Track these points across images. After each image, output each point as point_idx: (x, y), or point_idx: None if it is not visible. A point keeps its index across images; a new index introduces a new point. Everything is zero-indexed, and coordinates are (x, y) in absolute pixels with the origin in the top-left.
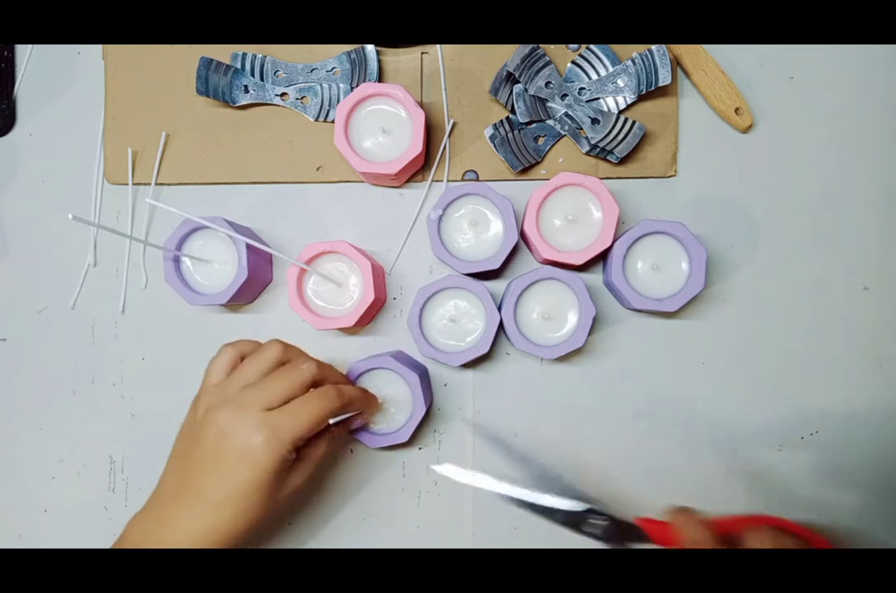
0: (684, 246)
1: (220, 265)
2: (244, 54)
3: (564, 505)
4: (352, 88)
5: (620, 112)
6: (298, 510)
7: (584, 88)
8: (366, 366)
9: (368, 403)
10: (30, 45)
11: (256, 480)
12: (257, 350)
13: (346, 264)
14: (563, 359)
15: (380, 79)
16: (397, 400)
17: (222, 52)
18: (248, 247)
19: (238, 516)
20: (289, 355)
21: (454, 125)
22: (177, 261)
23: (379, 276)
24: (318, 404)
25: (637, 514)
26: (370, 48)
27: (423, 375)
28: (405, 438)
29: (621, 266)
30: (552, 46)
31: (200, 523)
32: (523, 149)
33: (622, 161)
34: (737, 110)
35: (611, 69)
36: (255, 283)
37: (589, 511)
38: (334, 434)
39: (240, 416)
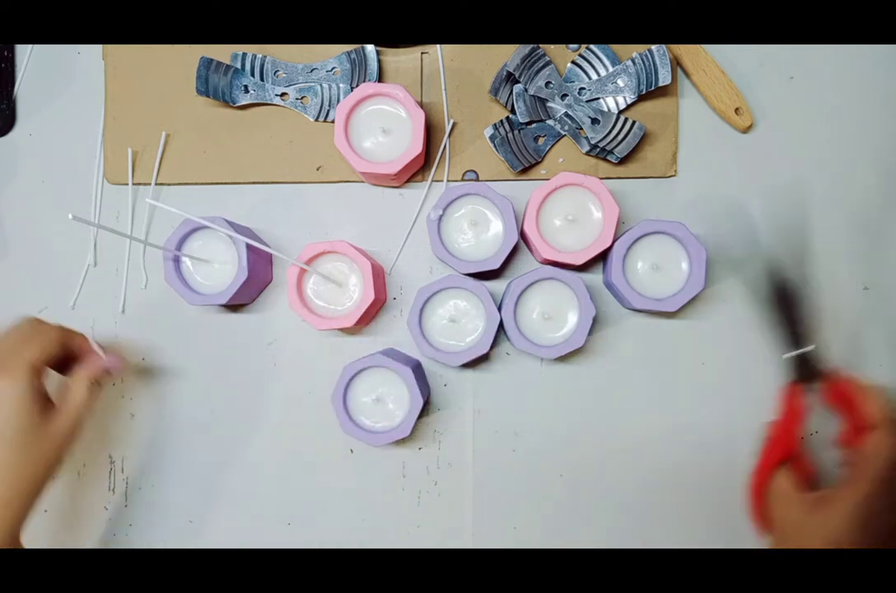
0: (684, 246)
1: (220, 265)
2: (244, 54)
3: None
4: (352, 88)
5: (620, 112)
6: (298, 510)
7: (584, 88)
8: (358, 367)
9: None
10: (30, 45)
11: (8, 418)
12: None
13: (346, 264)
14: (563, 359)
15: (380, 79)
16: (394, 396)
17: (222, 52)
18: (248, 247)
19: (11, 468)
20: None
21: (454, 125)
22: (177, 261)
23: (379, 276)
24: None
25: (637, 513)
26: (370, 48)
27: (417, 368)
28: (406, 433)
29: (621, 266)
30: (552, 46)
31: None
32: (523, 149)
33: (622, 161)
34: (737, 110)
35: (611, 69)
36: (255, 283)
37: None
38: (90, 377)
39: None
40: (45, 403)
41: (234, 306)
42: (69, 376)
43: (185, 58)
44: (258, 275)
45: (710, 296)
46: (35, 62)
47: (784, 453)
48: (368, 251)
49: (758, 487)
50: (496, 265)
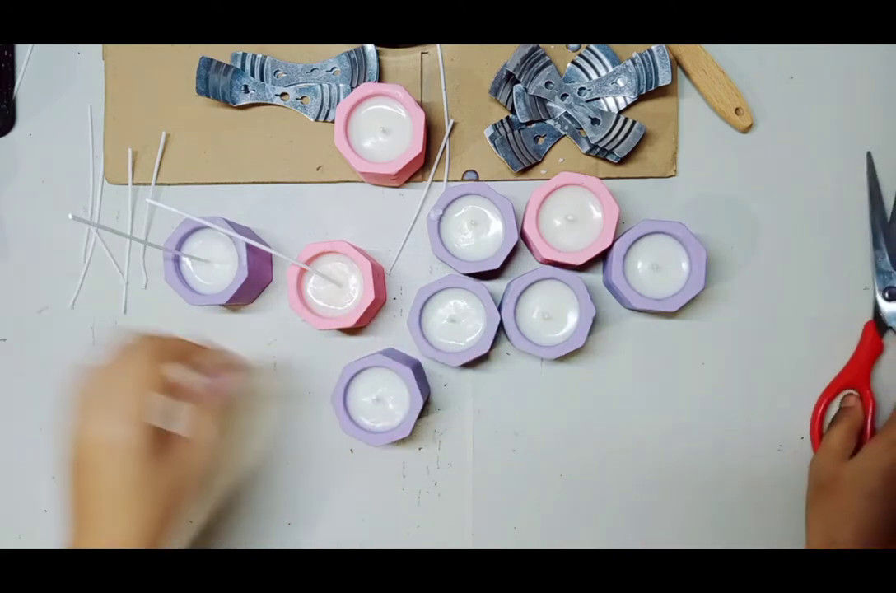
0: (684, 246)
1: (220, 265)
2: (244, 54)
3: None
4: (352, 88)
5: (620, 112)
6: (298, 510)
7: (584, 88)
8: (358, 367)
9: (206, 354)
10: (30, 45)
11: (122, 471)
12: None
13: (346, 264)
14: (563, 358)
15: (380, 79)
16: (394, 396)
17: (222, 52)
18: (248, 247)
19: (129, 517)
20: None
21: (454, 125)
22: (177, 261)
23: (379, 276)
24: (136, 361)
25: (637, 513)
26: (370, 48)
27: (417, 368)
28: (406, 433)
29: (621, 266)
30: (552, 46)
31: (103, 539)
32: (523, 149)
33: (622, 161)
34: (737, 110)
35: (611, 69)
36: (255, 283)
37: None
38: (208, 402)
39: (79, 421)
40: (159, 444)
41: (234, 306)
42: (192, 403)
43: (185, 58)
44: (258, 275)
45: (710, 296)
46: (35, 62)
47: (850, 380)
48: (368, 251)
49: (819, 408)
50: (496, 265)
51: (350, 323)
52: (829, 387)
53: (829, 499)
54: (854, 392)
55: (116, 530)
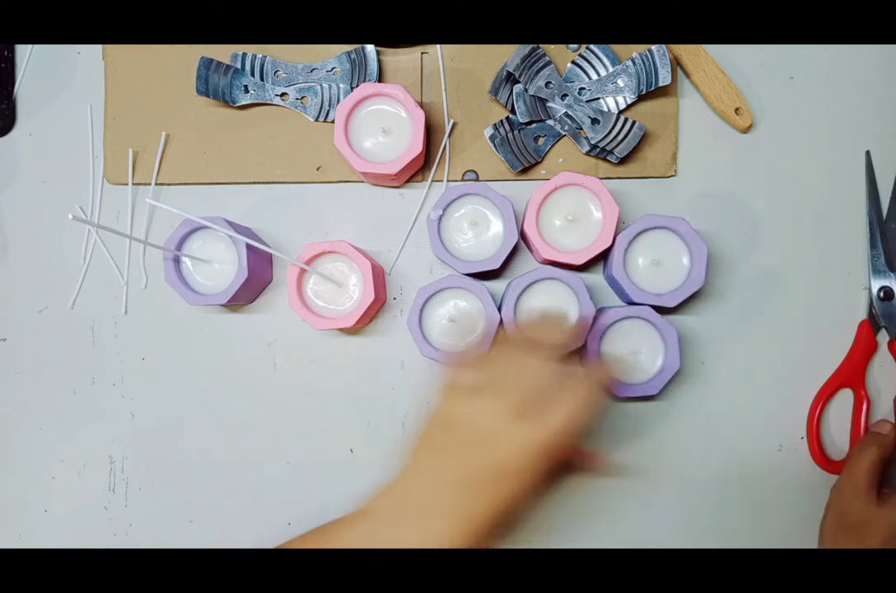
0: (686, 242)
1: (220, 265)
2: (244, 54)
3: None
4: (352, 88)
5: (620, 112)
6: (298, 510)
7: (584, 88)
8: (617, 316)
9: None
10: (30, 45)
11: (495, 469)
12: (501, 336)
13: (346, 264)
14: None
15: (380, 79)
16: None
17: (222, 52)
18: (248, 247)
19: (479, 500)
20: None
21: (454, 125)
22: (177, 261)
23: (379, 276)
24: (573, 412)
25: (637, 513)
26: (370, 48)
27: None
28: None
29: (622, 260)
30: (552, 46)
31: (438, 504)
32: (523, 149)
33: (622, 161)
34: (737, 110)
35: (611, 69)
36: (255, 283)
37: None
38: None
39: (495, 410)
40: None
41: (234, 306)
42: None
43: (185, 58)
44: (258, 275)
45: (710, 296)
46: (35, 62)
47: (846, 379)
48: (368, 251)
49: (816, 408)
50: (496, 265)
51: (350, 323)
52: (825, 387)
53: (855, 544)
54: (890, 420)
55: (453, 505)
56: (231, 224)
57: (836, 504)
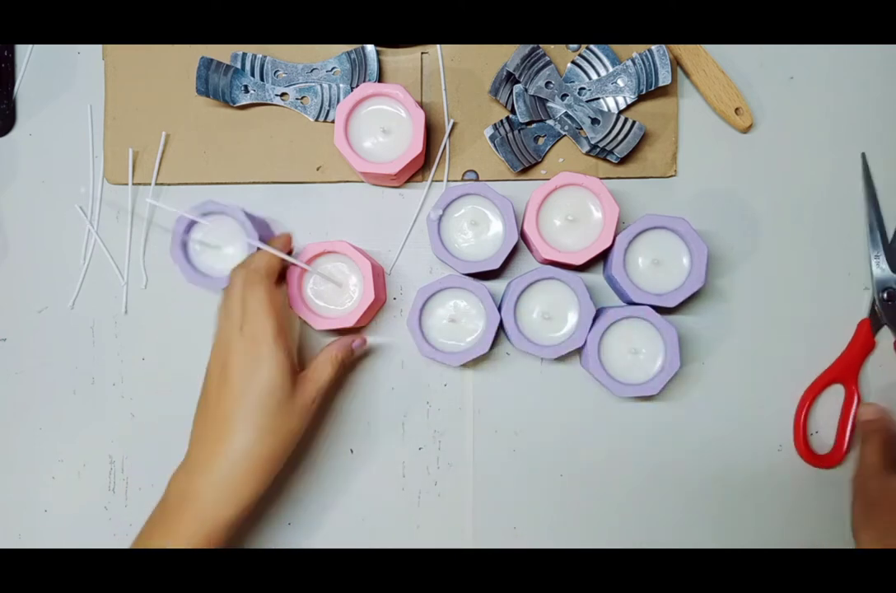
0: (686, 242)
1: (231, 250)
2: (244, 54)
3: None
4: (352, 88)
5: (620, 112)
6: (298, 510)
7: (584, 88)
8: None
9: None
10: (30, 45)
11: (266, 387)
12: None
13: (346, 264)
14: (563, 358)
15: (380, 79)
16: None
17: (222, 52)
18: (260, 239)
19: (260, 433)
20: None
21: (454, 125)
22: (184, 246)
23: (379, 277)
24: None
25: (637, 513)
26: (370, 48)
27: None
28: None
29: (622, 259)
30: (552, 46)
31: (235, 449)
32: (523, 149)
33: (622, 161)
34: (737, 110)
35: (611, 69)
36: None
37: None
38: (337, 356)
39: (221, 342)
40: (295, 373)
41: None
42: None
43: (185, 58)
44: None
45: (710, 295)
46: (35, 62)
47: (838, 375)
48: (368, 251)
49: (805, 402)
50: (496, 265)
51: (350, 323)
52: (816, 382)
53: (884, 513)
54: (872, 403)
55: (242, 447)
56: (248, 215)
57: (859, 489)
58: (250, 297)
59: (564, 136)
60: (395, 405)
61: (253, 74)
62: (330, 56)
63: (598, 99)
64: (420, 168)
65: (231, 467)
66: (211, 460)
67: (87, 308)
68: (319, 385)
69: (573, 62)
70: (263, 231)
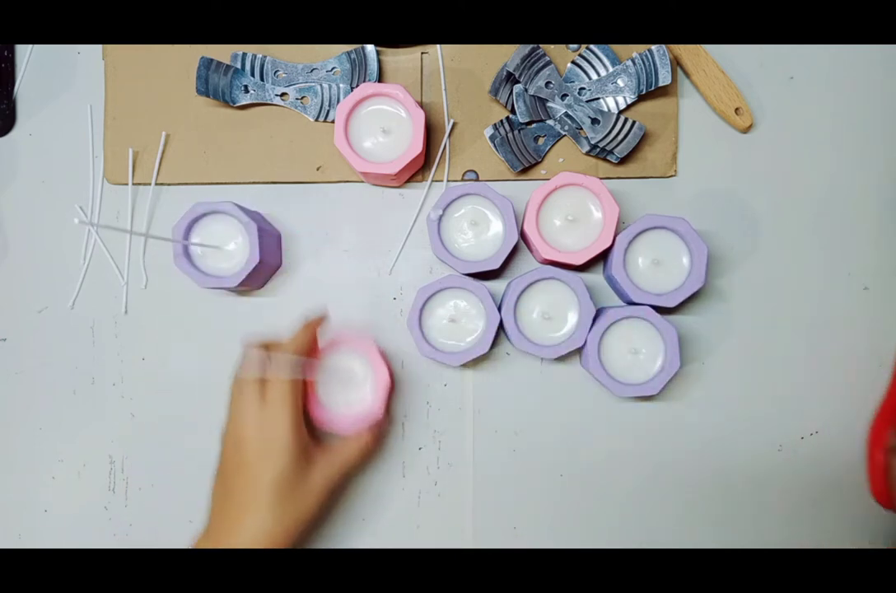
0: (686, 242)
1: (232, 247)
2: (244, 54)
3: None
4: (352, 88)
5: (620, 112)
6: None
7: (584, 88)
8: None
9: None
10: (30, 45)
11: (281, 473)
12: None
13: (360, 362)
14: (563, 358)
15: (380, 79)
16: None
17: (222, 52)
18: (259, 230)
19: (273, 514)
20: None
21: (454, 125)
22: (186, 248)
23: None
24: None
25: (638, 513)
26: (370, 48)
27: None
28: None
29: (622, 259)
30: (552, 46)
31: (252, 527)
32: (523, 149)
33: (622, 161)
34: (737, 110)
35: (611, 69)
36: (265, 268)
37: None
38: (369, 445)
39: (235, 425)
40: (308, 446)
41: (233, 305)
42: None
43: (185, 58)
44: (268, 259)
45: (710, 295)
46: (35, 62)
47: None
48: (369, 251)
49: (873, 447)
50: (496, 265)
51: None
52: (882, 413)
53: None
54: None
55: (258, 526)
56: (242, 209)
57: None
58: (270, 388)
59: (564, 135)
60: (395, 405)
61: (253, 74)
62: (330, 56)
63: (598, 99)
64: (420, 168)
65: (250, 543)
66: (231, 535)
67: (87, 308)
68: (343, 469)
69: (573, 62)
70: (261, 223)
